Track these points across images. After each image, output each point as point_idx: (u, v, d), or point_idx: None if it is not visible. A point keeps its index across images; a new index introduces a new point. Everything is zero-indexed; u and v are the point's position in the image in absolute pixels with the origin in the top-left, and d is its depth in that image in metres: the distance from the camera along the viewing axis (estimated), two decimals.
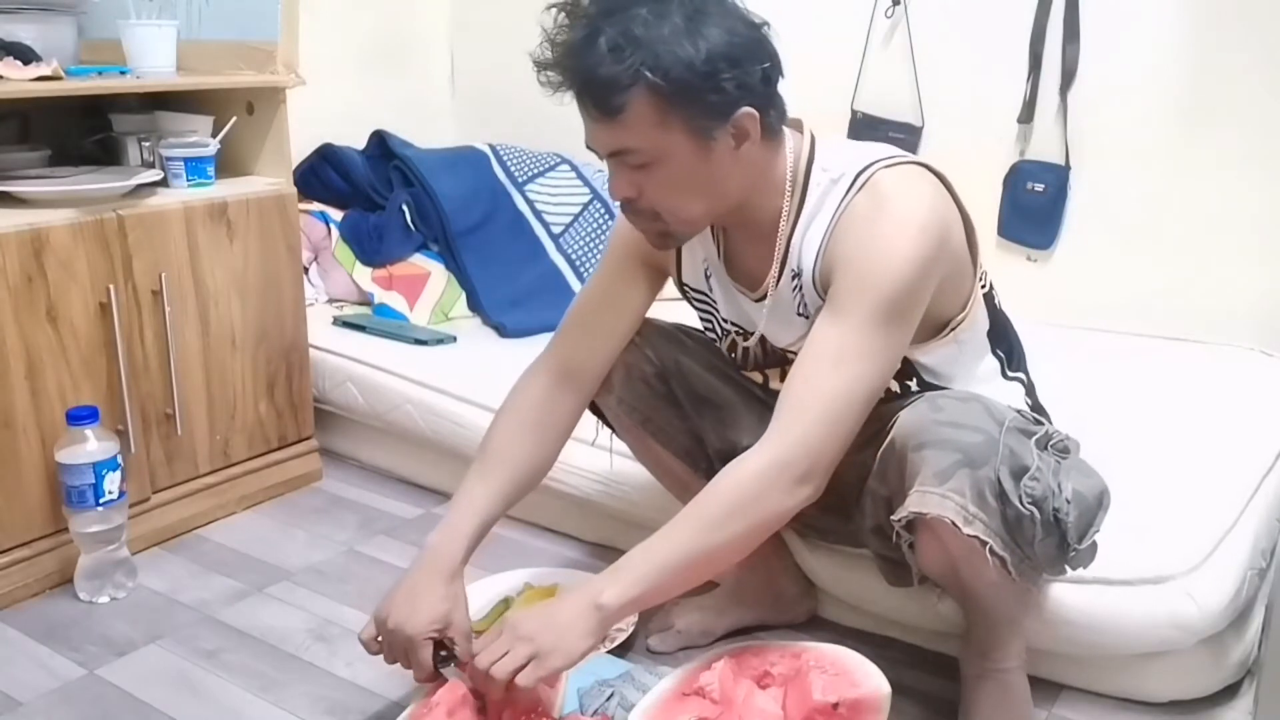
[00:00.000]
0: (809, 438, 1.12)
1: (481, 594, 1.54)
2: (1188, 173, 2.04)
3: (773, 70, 1.14)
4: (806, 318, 1.23)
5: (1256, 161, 1.98)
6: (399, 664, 1.20)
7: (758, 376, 1.38)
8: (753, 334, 1.32)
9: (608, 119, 1.10)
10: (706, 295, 1.36)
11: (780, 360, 1.33)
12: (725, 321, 1.35)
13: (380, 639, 1.20)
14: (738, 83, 1.09)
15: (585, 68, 1.09)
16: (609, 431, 1.49)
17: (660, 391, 1.39)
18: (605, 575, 1.14)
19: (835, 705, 1.16)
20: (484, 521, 1.29)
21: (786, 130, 1.21)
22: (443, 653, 1.21)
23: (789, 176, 1.20)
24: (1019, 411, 1.21)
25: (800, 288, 1.22)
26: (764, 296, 1.26)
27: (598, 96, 1.09)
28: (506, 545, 1.77)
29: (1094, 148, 2.12)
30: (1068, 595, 1.29)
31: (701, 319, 1.40)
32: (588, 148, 1.17)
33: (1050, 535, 1.11)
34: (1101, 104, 2.09)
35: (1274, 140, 1.96)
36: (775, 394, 1.38)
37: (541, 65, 1.13)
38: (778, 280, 1.23)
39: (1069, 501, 1.11)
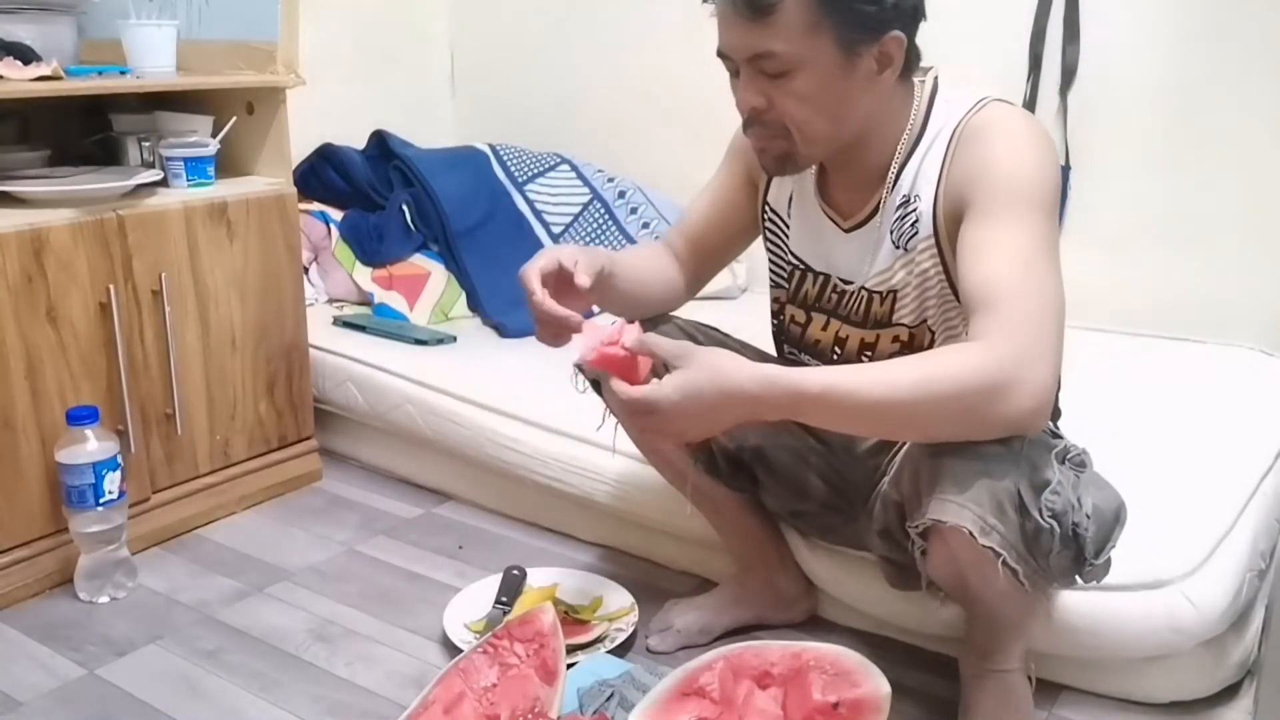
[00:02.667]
0: (1041, 350, 1.03)
1: (482, 594, 1.54)
2: (1188, 172, 2.04)
3: (922, 6, 1.15)
4: (903, 249, 1.22)
5: (1256, 161, 1.98)
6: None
7: (800, 315, 1.36)
8: (820, 272, 1.31)
9: (756, 19, 1.09)
10: (783, 223, 1.36)
11: (831, 310, 1.32)
12: (792, 255, 1.35)
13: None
14: (895, 2, 1.11)
15: None
16: (613, 426, 1.49)
17: None
18: (789, 374, 1.06)
19: (835, 705, 1.16)
20: (605, 264, 1.31)
21: (915, 80, 1.22)
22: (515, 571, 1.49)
23: (911, 116, 1.20)
24: None
25: (911, 216, 1.20)
26: (855, 226, 1.26)
27: None
28: (507, 545, 1.77)
29: (1094, 148, 2.12)
30: (1066, 600, 1.29)
31: (770, 249, 1.39)
32: (718, 54, 1.16)
33: (1068, 549, 1.10)
34: (1101, 104, 2.09)
35: (1274, 140, 1.96)
36: (804, 345, 1.37)
37: None
38: (877, 208, 1.23)
39: (1088, 516, 1.10)
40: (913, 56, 1.18)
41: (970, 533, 1.07)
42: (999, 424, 1.04)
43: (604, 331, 1.13)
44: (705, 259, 1.46)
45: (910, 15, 1.14)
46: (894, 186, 1.21)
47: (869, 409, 1.05)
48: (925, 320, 1.24)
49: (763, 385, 1.06)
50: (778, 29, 1.09)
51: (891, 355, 1.26)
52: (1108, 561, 1.16)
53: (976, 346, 1.04)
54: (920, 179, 1.20)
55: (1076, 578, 1.17)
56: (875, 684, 1.18)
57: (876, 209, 1.23)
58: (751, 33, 1.10)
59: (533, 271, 1.23)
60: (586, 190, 2.58)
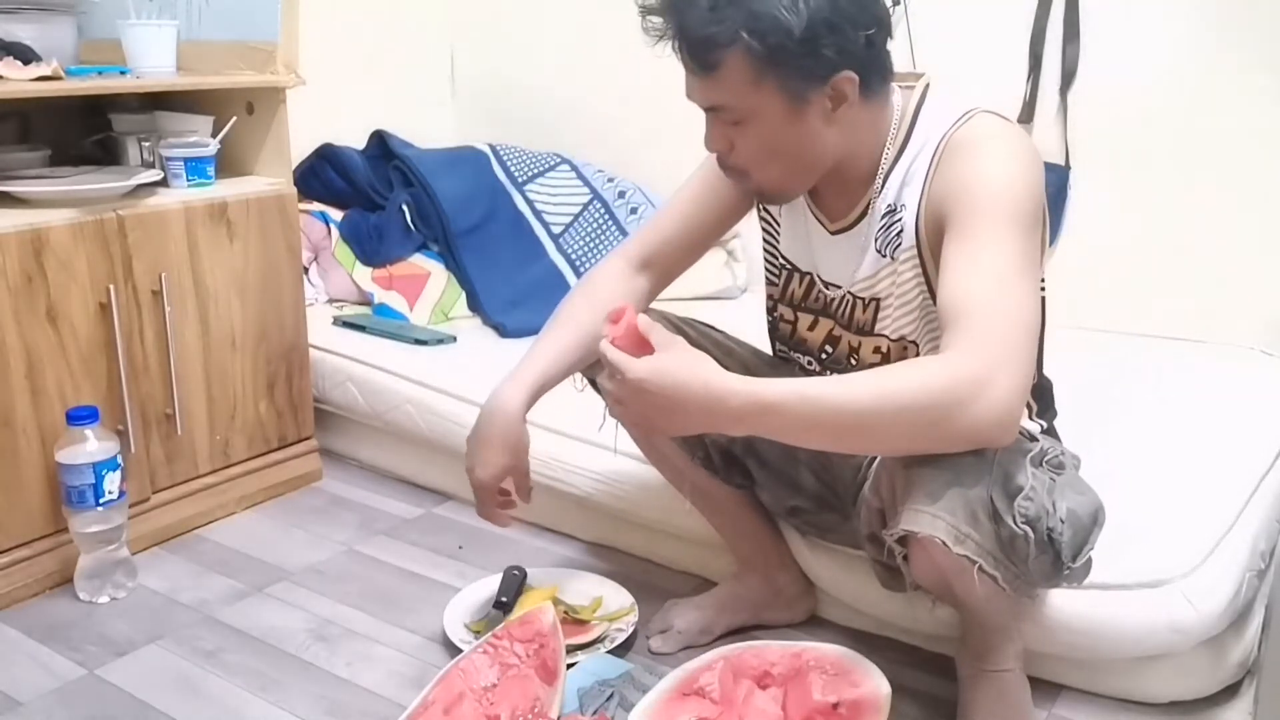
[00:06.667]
0: (1007, 364, 1.02)
1: (482, 594, 1.54)
2: (1187, 172, 2.04)
3: (878, 35, 1.14)
4: (888, 257, 1.22)
5: (1256, 161, 1.98)
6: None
7: (789, 313, 1.37)
8: (807, 273, 1.33)
9: (703, 74, 1.13)
10: (775, 223, 1.38)
11: (820, 310, 1.32)
12: (782, 255, 1.36)
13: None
14: (838, 49, 1.10)
15: (684, 22, 1.11)
16: (613, 426, 1.49)
17: None
18: (752, 382, 1.06)
19: (835, 705, 1.17)
20: (545, 375, 1.34)
21: (897, 87, 1.22)
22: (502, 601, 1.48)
23: (894, 126, 1.21)
24: None
25: (895, 225, 1.21)
26: (841, 230, 1.27)
27: (694, 52, 1.12)
28: (506, 545, 1.77)
29: (1094, 148, 2.12)
30: (1064, 600, 1.29)
31: (765, 248, 1.41)
32: (688, 97, 1.19)
33: (1044, 554, 1.10)
34: (1101, 104, 2.10)
35: (1274, 140, 1.96)
36: (794, 343, 1.38)
37: (645, 10, 1.15)
38: (864, 213, 1.24)
39: (1063, 521, 1.10)
40: (874, 82, 1.17)
41: (944, 542, 1.07)
42: (959, 438, 1.04)
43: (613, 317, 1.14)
44: (675, 265, 1.43)
45: (863, 51, 1.12)
46: (880, 193, 1.22)
47: (826, 419, 1.04)
48: (905, 335, 1.25)
49: (726, 389, 1.05)
50: (723, 84, 1.12)
51: (872, 365, 1.26)
52: (1088, 563, 1.16)
53: (939, 360, 1.04)
54: (905, 189, 1.20)
55: (1059, 582, 1.17)
56: (875, 684, 1.18)
57: (863, 214, 1.24)
58: (704, 86, 1.15)
59: (486, 495, 1.33)
60: (586, 190, 2.58)
